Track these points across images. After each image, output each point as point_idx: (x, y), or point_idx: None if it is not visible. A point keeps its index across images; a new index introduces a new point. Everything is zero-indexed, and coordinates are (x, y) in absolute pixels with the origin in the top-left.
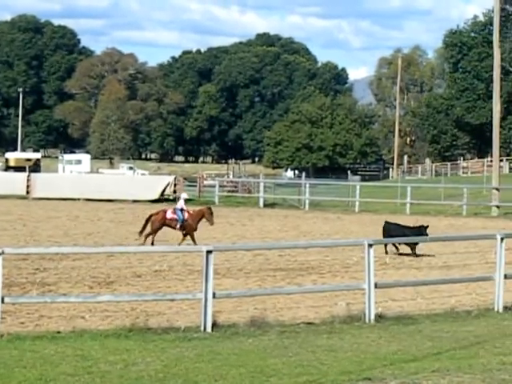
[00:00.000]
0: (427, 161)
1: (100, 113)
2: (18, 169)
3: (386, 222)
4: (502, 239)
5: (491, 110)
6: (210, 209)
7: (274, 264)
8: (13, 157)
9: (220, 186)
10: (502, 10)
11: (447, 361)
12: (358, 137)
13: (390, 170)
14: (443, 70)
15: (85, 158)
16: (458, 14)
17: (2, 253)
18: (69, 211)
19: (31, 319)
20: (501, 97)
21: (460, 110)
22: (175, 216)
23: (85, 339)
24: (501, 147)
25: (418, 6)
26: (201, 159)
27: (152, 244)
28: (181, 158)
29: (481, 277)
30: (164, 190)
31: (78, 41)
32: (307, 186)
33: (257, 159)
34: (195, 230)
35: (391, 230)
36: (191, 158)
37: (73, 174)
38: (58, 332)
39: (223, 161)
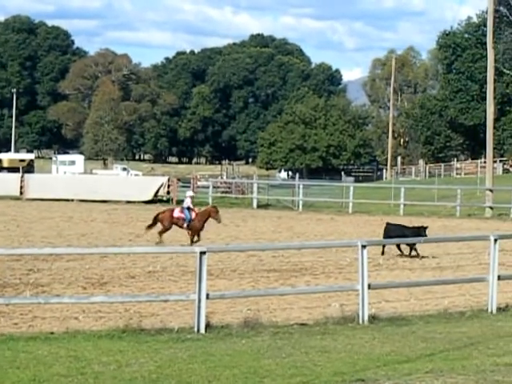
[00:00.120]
0: (421, 162)
1: (94, 113)
2: (12, 170)
3: (388, 224)
4: (495, 240)
5: (485, 111)
6: (215, 207)
7: (268, 265)
8: (6, 158)
9: (214, 187)
10: (496, 11)
11: (440, 362)
12: (352, 138)
13: (384, 171)
14: (437, 71)
15: (78, 158)
16: (452, 15)
17: None
18: (62, 212)
19: (25, 320)
20: (494, 98)
21: (454, 111)
22: (182, 215)
23: (78, 340)
24: (494, 148)
25: (412, 7)
26: (194, 160)
27: (160, 237)
28: (174, 159)
29: (474, 278)
30: (158, 191)
31: (72, 42)
32: (301, 187)
33: (250, 160)
34: (201, 229)
35: (391, 231)
36: (185, 159)
37: (66, 175)
38: (52, 333)
39: (217, 162)
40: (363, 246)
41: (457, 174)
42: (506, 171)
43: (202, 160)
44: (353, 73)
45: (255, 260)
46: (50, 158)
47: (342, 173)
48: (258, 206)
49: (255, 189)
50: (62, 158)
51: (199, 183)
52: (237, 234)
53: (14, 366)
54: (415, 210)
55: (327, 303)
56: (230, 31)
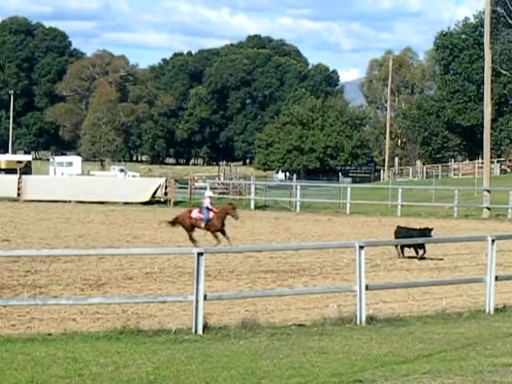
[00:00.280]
0: (418, 163)
1: (91, 115)
2: (9, 171)
3: (398, 227)
4: (492, 241)
5: (482, 111)
6: (231, 204)
7: (265, 266)
8: (4, 159)
9: (211, 188)
10: (493, 11)
11: (438, 363)
12: (349, 139)
13: (381, 171)
14: (434, 71)
15: (76, 160)
16: (449, 15)
17: None
18: (60, 213)
19: (22, 321)
20: (492, 99)
21: (451, 111)
22: (201, 215)
23: (76, 341)
24: (492, 149)
25: (409, 7)
26: (192, 161)
27: (191, 239)
28: (172, 160)
29: (472, 278)
30: (155, 192)
31: (69, 43)
32: (298, 187)
33: (248, 161)
34: (220, 228)
35: (398, 234)
36: (182, 160)
37: (64, 176)
38: (49, 334)
39: (214, 163)
40: (361, 247)
41: (454, 174)
42: (503, 172)
43: (200, 161)
44: (350, 74)
45: (253, 261)
46: (48, 160)
47: (340, 174)
48: (256, 207)
49: (253, 190)
50: (59, 159)
51: (196, 184)
52: (234, 235)
53: (11, 367)
54: (413, 211)
55: (325, 304)
56: (227, 32)
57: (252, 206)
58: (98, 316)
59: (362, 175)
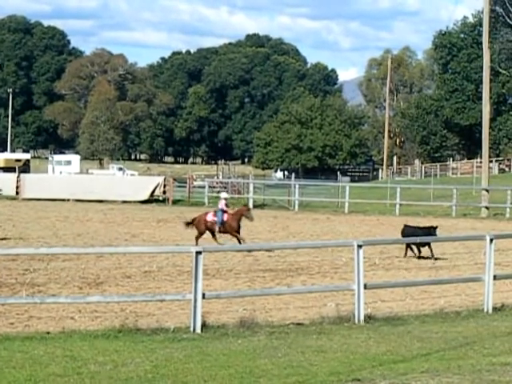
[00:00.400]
0: (417, 162)
1: (89, 113)
2: (8, 169)
3: (405, 226)
4: (491, 240)
5: (480, 111)
6: (247, 206)
7: (264, 265)
8: (2, 157)
9: (209, 187)
10: (492, 11)
11: (436, 361)
12: (348, 138)
13: (380, 170)
14: (433, 71)
15: (74, 158)
16: (448, 15)
17: None
18: (58, 212)
19: (21, 320)
20: (490, 98)
21: (449, 111)
22: (215, 218)
23: (74, 340)
24: (490, 148)
25: (407, 7)
26: (190, 160)
27: (196, 240)
28: (170, 159)
29: (470, 278)
30: (153, 191)
31: (68, 41)
32: (297, 186)
33: (246, 160)
34: (237, 229)
35: (405, 233)
36: (181, 159)
37: (62, 175)
38: (48, 333)
39: (213, 161)
40: (359, 246)
41: (453, 173)
42: (501, 171)
43: (198, 160)
44: (348, 73)
45: (251, 260)
46: (46, 158)
47: (338, 173)
48: (254, 206)
49: (251, 189)
50: (57, 157)
51: (195, 183)
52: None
53: (9, 365)
54: (411, 210)
55: (323, 303)
56: (226, 31)
57: (250, 204)
58: (97, 314)
59: (361, 174)
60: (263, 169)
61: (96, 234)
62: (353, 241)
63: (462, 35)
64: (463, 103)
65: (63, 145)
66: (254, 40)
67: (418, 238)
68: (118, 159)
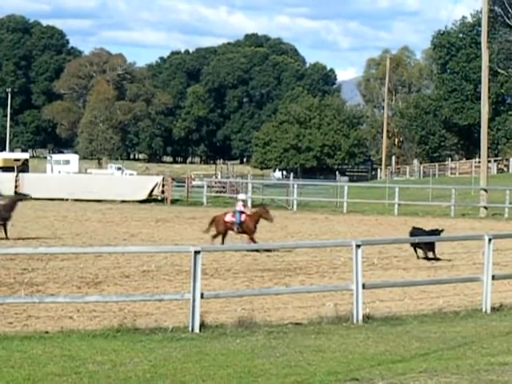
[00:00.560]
0: (415, 161)
1: (88, 113)
2: (7, 169)
3: (413, 228)
4: (489, 240)
5: (479, 111)
6: (264, 207)
7: (262, 264)
8: (1, 157)
9: (208, 187)
10: (491, 11)
11: (435, 361)
12: (346, 137)
13: (378, 170)
14: (431, 70)
15: (73, 158)
16: (446, 15)
17: None
18: (57, 211)
19: (19, 319)
20: (489, 98)
21: (448, 110)
22: (233, 219)
23: (73, 339)
24: (489, 148)
25: (406, 7)
26: (189, 160)
27: (220, 239)
28: (169, 159)
29: (469, 277)
30: (152, 191)
31: (67, 41)
32: (295, 186)
33: (245, 160)
34: (254, 231)
35: (413, 235)
36: (179, 159)
37: (61, 175)
38: (46, 332)
39: (211, 161)
40: (357, 246)
41: (451, 173)
42: (500, 171)
43: (197, 159)
44: (347, 72)
45: (249, 259)
46: (45, 158)
47: (337, 172)
48: (253, 206)
49: (250, 188)
50: (56, 157)
51: (194, 183)
52: (232, 234)
53: (8, 365)
54: (410, 210)
55: (321, 303)
56: (225, 31)
57: (249, 204)
58: (95, 314)
59: (359, 174)
60: (262, 168)
61: (94, 234)
62: (351, 241)
63: (461, 35)
64: (462, 103)
65: (62, 144)
66: (253, 40)
67: (416, 238)
68: (117, 159)
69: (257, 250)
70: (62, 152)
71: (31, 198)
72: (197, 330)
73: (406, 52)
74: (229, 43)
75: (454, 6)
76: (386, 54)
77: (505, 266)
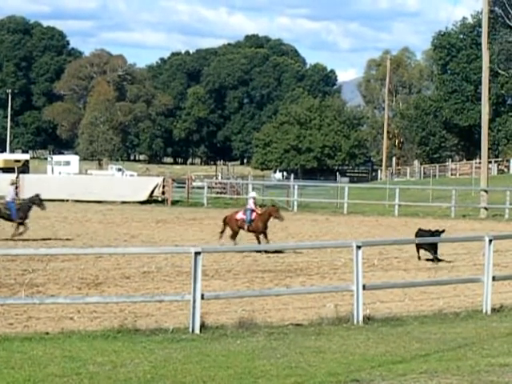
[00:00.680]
0: (416, 162)
1: (89, 114)
2: (7, 170)
3: (420, 229)
4: (490, 241)
5: (480, 111)
6: (275, 206)
7: (263, 265)
8: (1, 158)
9: (208, 188)
10: (491, 12)
11: (435, 362)
12: (347, 138)
13: (379, 171)
14: (432, 71)
15: (73, 159)
16: (447, 15)
17: None
18: (57, 212)
19: (20, 320)
20: (489, 99)
21: (448, 111)
22: (244, 217)
23: (73, 340)
24: (489, 149)
25: (407, 7)
26: (189, 161)
27: (233, 239)
28: (169, 160)
29: (469, 278)
30: (153, 192)
31: (67, 42)
32: (296, 187)
33: (245, 161)
34: (264, 229)
35: (417, 236)
36: (180, 160)
37: (61, 175)
38: (47, 333)
39: (212, 162)
40: (358, 247)
41: (452, 174)
42: (500, 172)
43: (197, 160)
44: (347, 73)
45: (250, 260)
46: (45, 159)
47: (337, 173)
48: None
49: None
50: (57, 158)
51: (194, 184)
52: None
53: (8, 366)
54: (410, 211)
55: (322, 304)
56: (225, 32)
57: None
58: (96, 315)
59: (360, 175)
60: (262, 169)
61: (95, 235)
62: (352, 241)
63: (461, 36)
64: (462, 104)
65: (62, 145)
66: (253, 41)
67: (417, 239)
68: (117, 160)
69: (266, 251)
70: (63, 153)
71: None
72: (197, 331)
73: (406, 53)
74: (229, 44)
75: (455, 6)
76: (386, 54)
77: (505, 267)
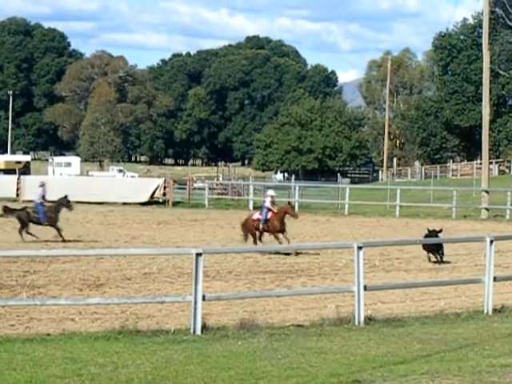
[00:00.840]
0: (417, 163)
1: (90, 115)
2: (8, 171)
3: (429, 231)
4: (491, 242)
5: (480, 112)
6: (290, 204)
7: (264, 266)
8: (3, 159)
9: (210, 189)
10: (492, 12)
11: (436, 363)
12: (348, 139)
13: (380, 172)
14: (432, 72)
15: (75, 160)
16: (447, 16)
17: None
18: None
19: (21, 322)
20: (490, 99)
21: (449, 112)
22: (260, 216)
23: (74, 342)
24: (490, 150)
25: (407, 8)
26: (190, 162)
27: (255, 243)
28: (170, 161)
29: (470, 279)
30: (154, 193)
31: (68, 43)
32: (297, 188)
33: (246, 162)
34: (280, 229)
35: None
36: (181, 161)
37: (63, 177)
38: (48, 334)
39: (213, 163)
40: (359, 248)
41: (452, 175)
42: (501, 173)
43: (198, 162)
44: (348, 74)
45: (251, 261)
46: (47, 160)
47: (338, 174)
48: (254, 208)
49: (251, 190)
50: (58, 159)
51: (195, 185)
52: (233, 235)
53: (10, 367)
54: (411, 212)
55: (323, 304)
56: (226, 33)
57: (250, 206)
58: (97, 316)
59: (361, 176)
60: (263, 171)
61: (96, 236)
62: (353, 242)
63: (462, 37)
64: (463, 105)
65: (63, 147)
66: (254, 42)
67: (417, 239)
68: (118, 161)
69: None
70: (64, 154)
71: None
72: (198, 332)
73: (407, 54)
74: (230, 45)
75: (455, 7)
76: (387, 55)
77: (506, 268)
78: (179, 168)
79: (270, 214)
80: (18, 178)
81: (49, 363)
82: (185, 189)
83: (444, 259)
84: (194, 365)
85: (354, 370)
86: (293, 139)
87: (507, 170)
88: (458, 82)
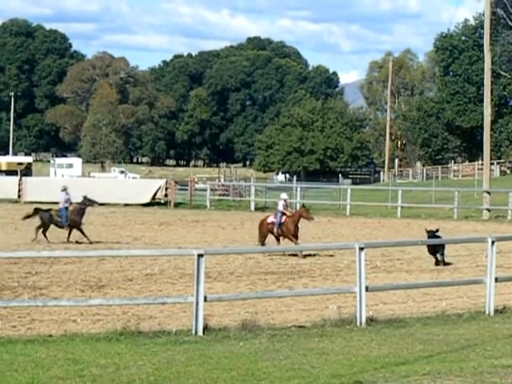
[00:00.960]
0: (418, 164)
1: (91, 117)
2: (10, 173)
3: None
4: (492, 242)
5: (482, 113)
6: (305, 207)
7: (265, 267)
8: (4, 161)
9: (211, 190)
10: (493, 13)
11: (438, 364)
12: (349, 140)
13: (381, 173)
14: (434, 73)
15: (76, 161)
16: (449, 17)
17: None
18: None
19: (23, 323)
20: (491, 100)
21: (451, 113)
22: (274, 220)
23: (76, 343)
24: (491, 151)
25: (409, 9)
26: (192, 163)
27: (263, 244)
28: (172, 162)
29: (472, 280)
30: (155, 194)
31: (70, 45)
32: (298, 189)
33: (248, 163)
34: (294, 232)
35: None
36: (182, 162)
37: (64, 178)
38: (50, 335)
39: (214, 164)
40: (361, 249)
41: (454, 176)
42: (503, 173)
43: (200, 163)
44: (350, 75)
45: (253, 262)
46: (48, 161)
47: (340, 175)
48: (256, 209)
49: (253, 191)
50: (59, 161)
51: (197, 186)
52: (234, 236)
53: (12, 368)
54: (412, 213)
55: (325, 305)
56: (227, 34)
57: (252, 207)
58: (99, 317)
59: (362, 177)
60: (265, 171)
61: (98, 237)
62: (354, 243)
63: (464, 37)
64: (464, 105)
65: (65, 148)
66: (256, 43)
67: (418, 240)
68: (120, 162)
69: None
70: (65, 156)
71: (99, 205)
72: (200, 333)
73: (408, 55)
74: (231, 46)
75: (457, 8)
76: (388, 56)
77: (508, 269)
78: (181, 169)
79: (283, 218)
80: (20, 180)
81: (51, 364)
82: (186, 190)
83: (445, 260)
84: (195, 366)
85: (356, 370)
86: (294, 140)
87: (508, 171)
88: (460, 82)
